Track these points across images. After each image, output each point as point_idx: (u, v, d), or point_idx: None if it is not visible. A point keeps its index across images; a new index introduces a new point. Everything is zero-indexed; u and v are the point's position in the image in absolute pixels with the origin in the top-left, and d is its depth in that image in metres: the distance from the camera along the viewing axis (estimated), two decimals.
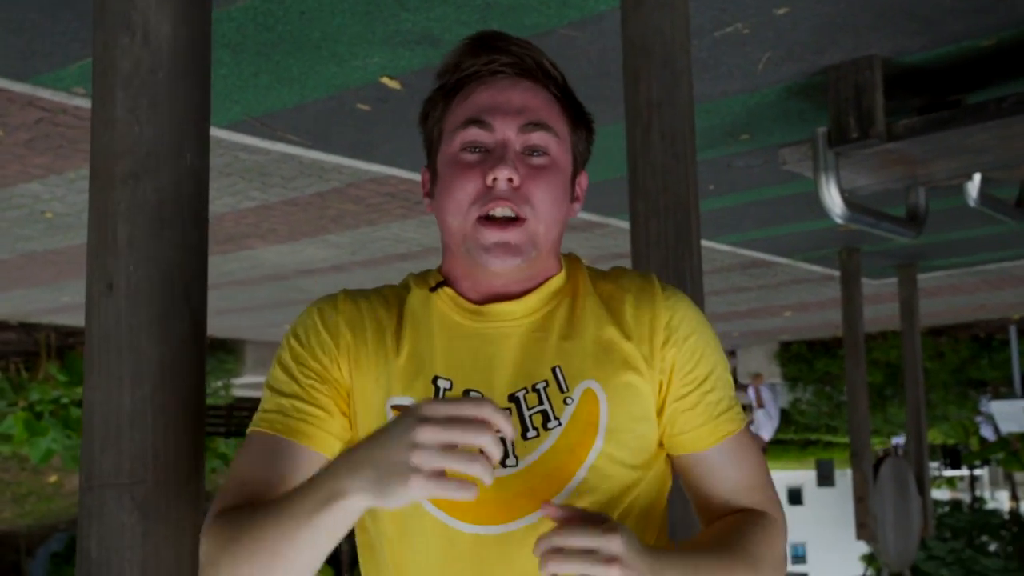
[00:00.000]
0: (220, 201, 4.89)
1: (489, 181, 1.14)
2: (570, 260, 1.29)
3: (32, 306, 8.63)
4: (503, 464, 1.13)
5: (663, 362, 1.20)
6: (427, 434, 0.91)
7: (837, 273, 7.13)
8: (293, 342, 1.20)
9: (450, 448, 0.91)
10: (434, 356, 1.18)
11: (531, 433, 1.14)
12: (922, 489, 7.02)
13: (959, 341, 12.08)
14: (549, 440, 1.14)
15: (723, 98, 3.55)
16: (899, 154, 3.45)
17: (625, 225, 2.37)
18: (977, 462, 21.08)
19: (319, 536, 0.98)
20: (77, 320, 9.28)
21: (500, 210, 1.14)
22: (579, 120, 1.24)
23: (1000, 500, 26.51)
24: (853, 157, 3.44)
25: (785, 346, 13.27)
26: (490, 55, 1.19)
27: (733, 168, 4.53)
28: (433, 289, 1.23)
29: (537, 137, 1.17)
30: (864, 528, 6.36)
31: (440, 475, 0.91)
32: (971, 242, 6.75)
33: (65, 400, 9.75)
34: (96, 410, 1.36)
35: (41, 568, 15.85)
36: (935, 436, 16.85)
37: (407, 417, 0.93)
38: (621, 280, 1.26)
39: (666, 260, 2.27)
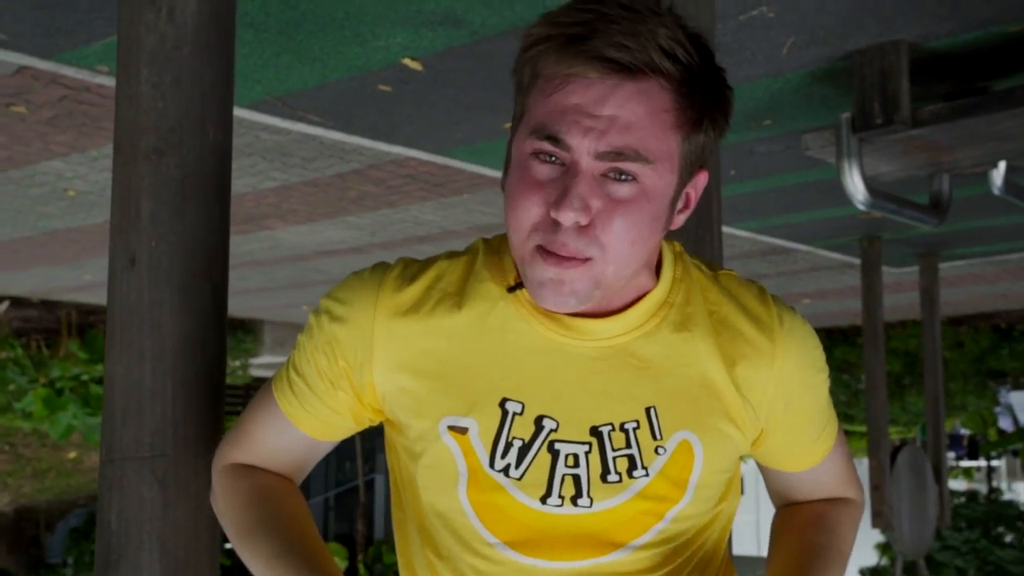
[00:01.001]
0: (240, 181, 4.90)
1: (553, 215, 0.94)
2: (676, 257, 1.09)
3: (53, 284, 8.70)
4: (574, 503, 1.03)
5: (771, 410, 1.09)
6: None
7: (857, 261, 7.08)
8: (329, 326, 1.07)
9: None
10: (505, 372, 1.03)
11: (612, 477, 1.03)
12: (939, 479, 6.99)
13: (979, 331, 12.00)
14: (631, 490, 1.03)
15: (746, 82, 3.52)
16: (923, 141, 3.41)
17: None
18: (994, 453, 20.98)
19: None
20: (98, 298, 9.35)
21: (563, 252, 0.95)
22: (702, 117, 0.99)
23: (1017, 491, 26.37)
24: (877, 143, 3.41)
25: None
26: (578, 65, 0.93)
27: (755, 154, 4.50)
28: (512, 289, 1.04)
29: (621, 166, 0.94)
30: (879, 517, 6.34)
31: None
32: (993, 231, 6.69)
33: (85, 377, 9.83)
34: (117, 384, 1.37)
35: (60, 543, 16.01)
36: (953, 426, 16.77)
37: None
38: (734, 296, 1.08)
39: (687, 246, 2.23)
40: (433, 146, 4.34)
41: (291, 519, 1.10)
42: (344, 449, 18.22)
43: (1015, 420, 13.75)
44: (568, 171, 0.95)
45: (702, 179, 1.05)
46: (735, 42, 3.15)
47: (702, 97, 0.98)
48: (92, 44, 3.10)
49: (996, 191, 4.04)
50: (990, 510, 19.74)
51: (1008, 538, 18.51)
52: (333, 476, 18.79)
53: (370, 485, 17.24)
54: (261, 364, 12.20)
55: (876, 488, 6.45)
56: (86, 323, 10.14)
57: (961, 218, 5.96)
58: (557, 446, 1.03)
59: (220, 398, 1.42)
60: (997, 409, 14.56)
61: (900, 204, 3.85)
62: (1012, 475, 28.82)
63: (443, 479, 1.05)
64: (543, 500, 1.03)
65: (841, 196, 3.64)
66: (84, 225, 5.98)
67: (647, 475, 1.03)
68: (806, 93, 3.65)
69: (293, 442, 1.14)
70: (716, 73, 0.99)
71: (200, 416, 1.38)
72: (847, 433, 19.78)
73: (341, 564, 10.97)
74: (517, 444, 1.03)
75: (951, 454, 23.02)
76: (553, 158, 0.96)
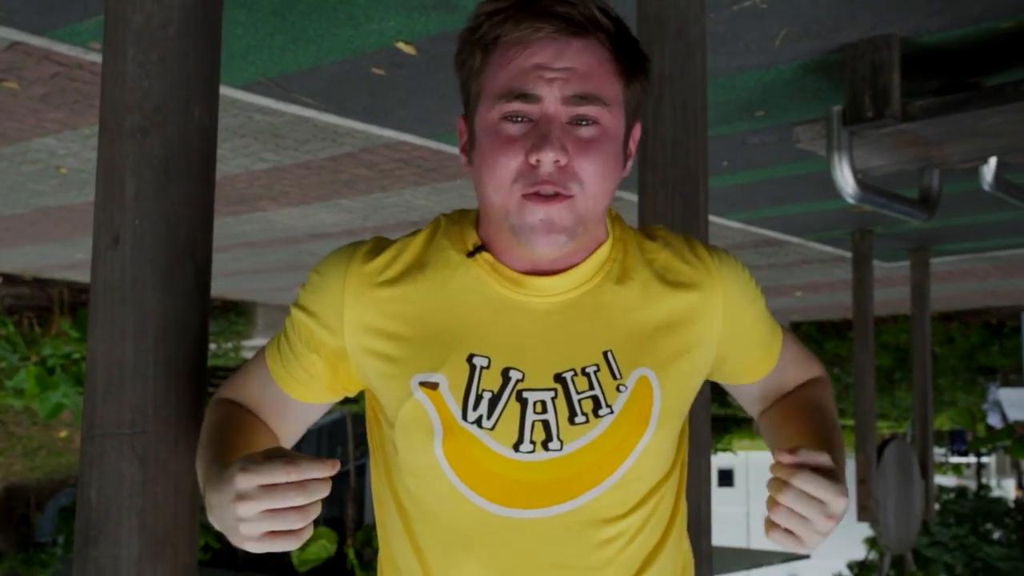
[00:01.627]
0: (233, 162, 4.90)
1: (533, 161, 1.05)
2: (616, 223, 1.21)
3: (46, 261, 8.69)
4: (545, 448, 1.09)
5: (721, 332, 1.19)
6: (245, 508, 0.95)
7: (849, 254, 7.10)
8: (306, 295, 1.17)
9: (270, 513, 0.95)
10: (469, 330, 1.11)
11: (580, 419, 1.10)
12: (925, 473, 7.03)
13: (970, 327, 12.04)
14: (599, 428, 1.10)
15: (739, 73, 3.53)
16: (914, 135, 3.43)
17: (635, 199, 2.37)
18: (984, 449, 21.07)
19: None
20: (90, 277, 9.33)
21: (547, 190, 1.05)
22: (635, 71, 1.13)
23: (1006, 488, 26.50)
24: (867, 137, 3.42)
25: (795, 326, 13.25)
26: (533, 23, 1.07)
27: (747, 145, 4.51)
28: (471, 254, 1.14)
29: (586, 110, 1.07)
30: (865, 510, 6.38)
31: (268, 536, 0.96)
32: (985, 227, 6.71)
33: (76, 355, 9.83)
34: (99, 361, 1.38)
35: (50, 522, 16.03)
36: (942, 422, 16.84)
37: (228, 484, 0.97)
38: (666, 245, 1.20)
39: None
40: (426, 130, 4.34)
41: (241, 433, 1.18)
42: (336, 434, 18.25)
43: (1004, 416, 13.80)
44: (539, 122, 1.06)
45: (638, 131, 1.18)
46: (728, 32, 3.16)
47: (631, 51, 1.12)
48: (85, 21, 3.09)
49: (986, 187, 4.06)
50: (978, 506, 19.85)
51: (996, 534, 18.61)
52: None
53: (361, 470, 17.26)
54: (253, 346, 12.20)
55: (863, 482, 6.48)
56: (78, 301, 10.14)
57: (952, 214, 5.98)
58: (525, 395, 1.10)
59: (202, 377, 1.43)
60: (985, 406, 14.61)
61: (889, 198, 3.86)
62: (1001, 472, 28.95)
63: (419, 436, 1.11)
64: (516, 448, 1.09)
65: (833, 189, 3.65)
66: (76, 203, 5.97)
67: (612, 412, 1.11)
68: (798, 85, 3.66)
69: (272, 394, 1.22)
70: (633, 35, 1.14)
71: (181, 395, 1.39)
72: None
73: (329, 548, 10.99)
74: (487, 396, 1.10)
75: (946, 450, 23.12)
76: (521, 118, 1.07)
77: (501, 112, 1.07)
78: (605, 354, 1.12)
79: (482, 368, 1.10)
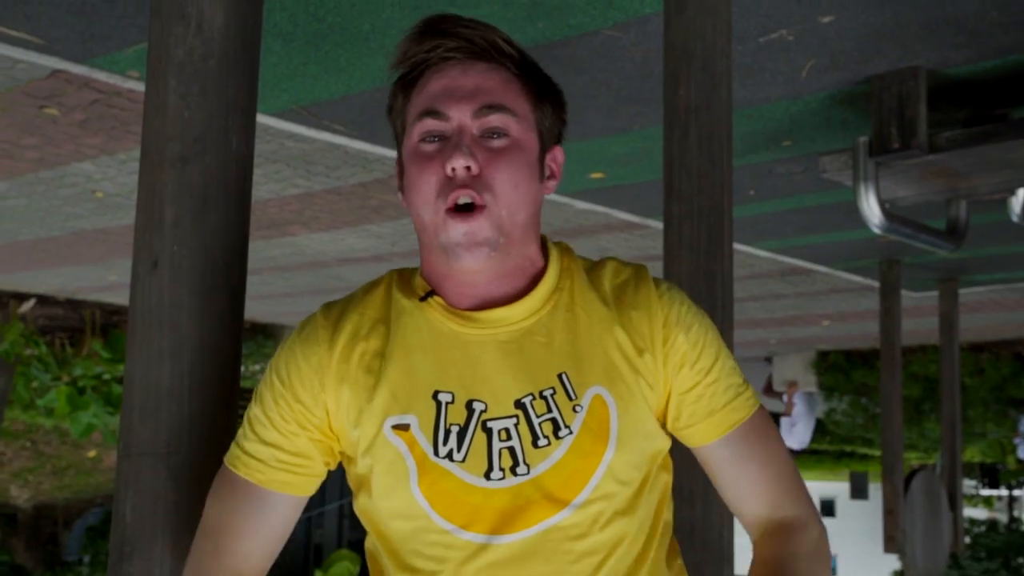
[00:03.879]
0: (265, 187, 4.98)
1: (448, 171, 1.12)
2: (561, 251, 1.25)
3: (79, 283, 8.81)
4: (514, 473, 1.13)
5: (667, 359, 1.20)
6: None
7: (877, 284, 7.08)
8: (274, 379, 1.19)
9: None
10: (431, 370, 1.16)
11: (542, 441, 1.14)
12: (954, 505, 6.96)
13: (1000, 358, 11.91)
14: (561, 448, 1.14)
15: (766, 104, 3.56)
16: (940, 166, 3.43)
17: (661, 227, 2.40)
18: (1014, 481, 20.76)
19: None
20: (122, 299, 9.46)
21: (462, 198, 1.12)
22: (543, 95, 1.20)
23: None
24: (894, 168, 3.44)
25: (822, 355, 13.16)
26: (435, 40, 1.16)
27: (774, 174, 4.53)
28: (423, 299, 1.20)
29: (494, 119, 1.14)
30: (891, 541, 6.32)
31: None
32: (1015, 258, 6.67)
33: (107, 376, 9.93)
34: (136, 382, 1.42)
35: (77, 541, 16.14)
36: (972, 454, 16.63)
37: None
38: (615, 275, 1.24)
39: (698, 263, 2.30)
40: None
41: None
42: None
43: None
44: (451, 137, 1.14)
45: (559, 153, 1.24)
46: (755, 63, 3.19)
47: (537, 79, 1.20)
48: (124, 50, 3.17)
49: (1015, 218, 4.05)
50: (1010, 540, 19.54)
51: None
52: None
53: None
54: None
55: (890, 512, 6.43)
56: (110, 323, 10.26)
57: (981, 244, 5.95)
58: (489, 424, 1.15)
59: (234, 399, 1.47)
60: (1017, 439, 14.42)
61: (916, 228, 3.87)
62: None
63: (396, 479, 1.14)
64: (487, 476, 1.13)
65: (860, 219, 3.66)
66: (111, 226, 6.07)
67: (571, 432, 1.14)
68: (825, 116, 3.68)
69: (270, 511, 1.20)
70: (540, 68, 1.21)
71: (214, 416, 1.42)
72: (864, 457, 19.65)
73: (352, 570, 11.00)
74: (455, 429, 1.14)
75: (976, 482, 22.78)
76: (436, 137, 1.15)
77: (419, 134, 1.16)
78: (560, 376, 1.16)
79: (447, 403, 1.15)
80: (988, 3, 2.75)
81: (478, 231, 1.11)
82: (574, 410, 1.15)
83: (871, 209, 3.49)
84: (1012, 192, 3.92)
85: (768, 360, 13.52)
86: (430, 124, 1.15)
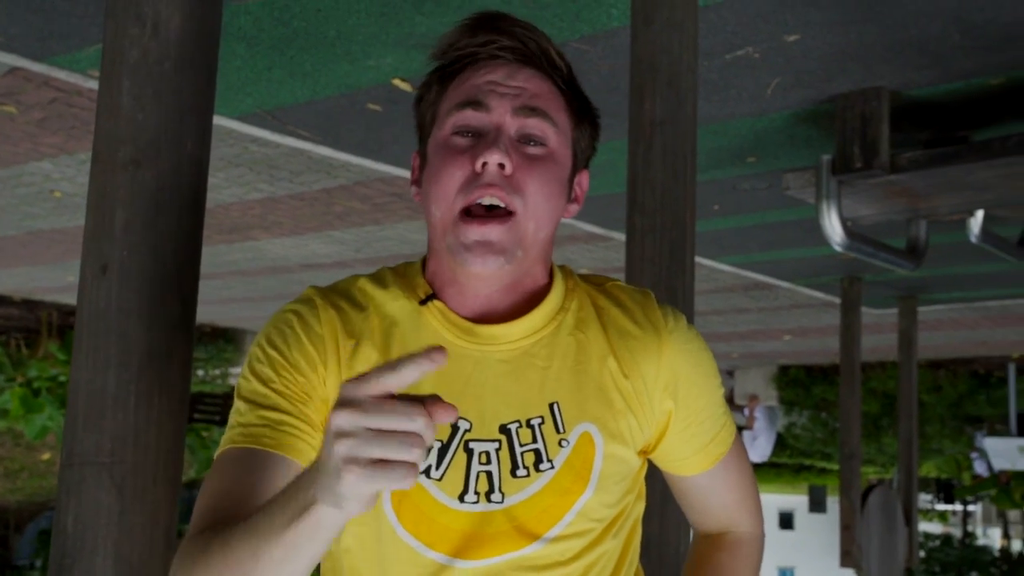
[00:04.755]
0: (227, 191, 4.92)
1: (478, 166, 1.04)
2: (566, 274, 1.20)
3: (36, 284, 8.68)
4: (488, 499, 1.08)
5: (663, 403, 1.16)
6: (347, 419, 0.77)
7: (838, 300, 7.14)
8: (271, 352, 1.08)
9: (379, 434, 0.76)
10: (420, 380, 1.10)
11: (521, 472, 1.09)
12: (909, 520, 7.02)
13: (958, 376, 12.07)
14: (539, 483, 1.09)
15: (731, 120, 3.57)
16: (902, 186, 3.47)
17: (624, 239, 2.40)
18: (970, 497, 21.03)
19: (292, 554, 0.85)
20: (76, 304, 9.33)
21: (488, 198, 1.04)
22: (583, 115, 1.14)
23: (992, 537, 26.42)
24: (856, 186, 3.46)
25: (783, 370, 13.27)
26: (490, 35, 1.09)
27: (738, 190, 4.55)
28: (424, 302, 1.13)
29: (534, 124, 1.07)
30: (848, 556, 6.36)
31: (375, 464, 0.76)
32: (973, 278, 6.76)
33: (63, 378, 9.79)
34: (81, 389, 1.39)
35: (28, 545, 15.85)
36: (929, 469, 16.82)
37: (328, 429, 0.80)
38: (621, 302, 1.18)
39: (659, 277, 2.30)
40: None
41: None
42: None
43: (990, 466, 13.80)
44: (487, 133, 1.07)
45: (585, 180, 1.18)
46: (720, 80, 3.20)
47: (580, 98, 1.14)
48: (85, 49, 3.12)
49: (974, 239, 4.10)
50: (963, 555, 19.79)
51: None
52: None
53: None
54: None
55: (846, 528, 6.47)
56: (66, 324, 10.11)
57: (941, 264, 6.02)
58: (471, 445, 1.09)
59: (183, 409, 1.44)
60: (973, 455, 14.62)
61: (877, 247, 3.90)
62: (987, 520, 28.87)
63: None
64: (460, 498, 1.08)
65: (822, 236, 3.68)
66: (68, 227, 5.98)
67: (552, 467, 1.09)
68: (789, 133, 3.70)
69: (277, 482, 1.02)
70: (582, 88, 1.16)
71: (161, 425, 1.39)
72: (823, 471, 19.82)
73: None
74: (436, 446, 1.09)
75: (932, 497, 23.03)
76: (470, 133, 1.07)
77: (453, 125, 1.08)
78: (551, 406, 1.10)
79: None
80: (951, 27, 2.77)
81: (496, 239, 1.04)
82: (560, 444, 1.10)
83: (833, 227, 3.51)
84: (971, 213, 3.97)
85: (730, 374, 13.60)
86: (469, 115, 1.07)
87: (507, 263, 1.06)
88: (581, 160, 1.16)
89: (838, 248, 3.66)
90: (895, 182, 3.40)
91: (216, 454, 1.07)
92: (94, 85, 3.43)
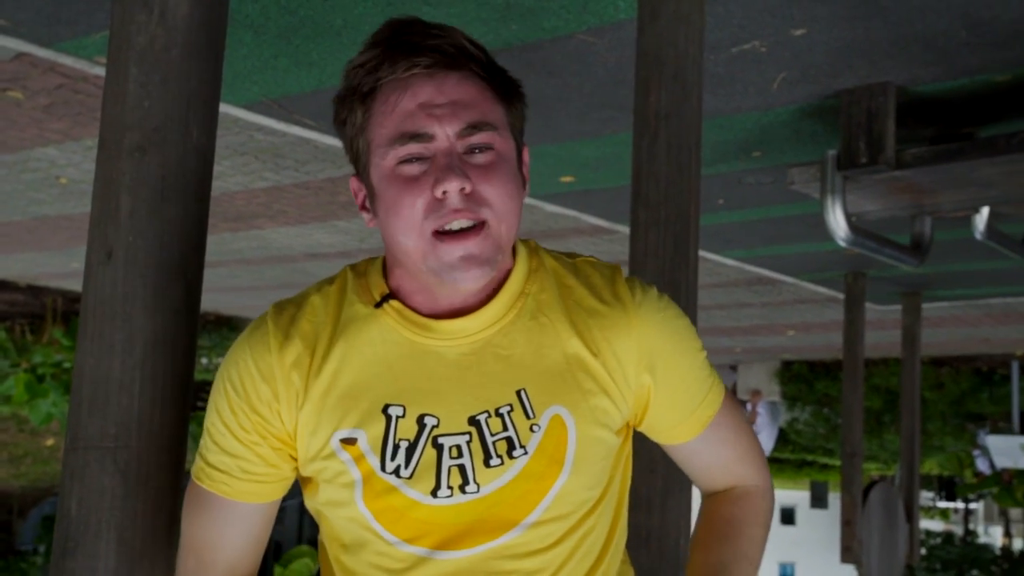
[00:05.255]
0: (233, 179, 4.93)
1: (439, 194, 1.04)
2: (530, 251, 1.19)
3: (41, 270, 8.70)
4: (463, 491, 1.09)
5: (640, 378, 1.15)
6: None
7: (842, 296, 7.14)
8: (228, 389, 1.13)
9: None
10: (383, 381, 1.11)
11: (495, 461, 1.09)
12: (910, 517, 7.03)
13: (960, 373, 12.06)
14: (513, 469, 1.10)
15: (736, 114, 3.57)
16: (907, 182, 3.46)
17: (628, 233, 2.40)
18: (971, 495, 21.03)
19: None
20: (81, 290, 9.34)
21: (458, 223, 1.05)
22: (511, 94, 1.14)
23: (993, 535, 26.43)
24: (861, 182, 3.46)
25: (786, 365, 13.27)
26: (409, 59, 1.07)
27: (743, 184, 4.55)
28: (379, 304, 1.14)
29: (479, 138, 1.08)
30: (848, 551, 6.37)
31: None
32: (977, 275, 6.75)
33: (67, 364, 9.82)
34: (86, 374, 1.39)
35: (32, 530, 15.91)
36: (931, 466, 16.83)
37: None
38: (588, 278, 1.18)
39: (663, 270, 2.30)
40: None
41: None
42: None
43: (991, 464, 13.80)
44: (436, 158, 1.06)
45: (526, 155, 1.17)
46: (726, 74, 3.20)
47: (503, 79, 1.13)
48: (92, 35, 3.12)
49: (978, 236, 4.09)
50: (964, 552, 19.80)
51: None
52: None
53: None
54: None
55: (848, 523, 6.48)
56: (71, 310, 10.14)
57: (945, 260, 6.01)
58: (440, 440, 1.10)
59: (187, 395, 1.45)
60: (975, 452, 14.61)
61: (881, 243, 3.90)
62: (989, 518, 28.88)
63: (342, 491, 1.11)
64: (434, 494, 1.10)
65: (827, 231, 3.68)
66: (74, 213, 5.99)
67: (526, 453, 1.10)
68: (795, 128, 3.70)
69: (245, 521, 1.17)
70: (498, 64, 1.15)
71: (165, 411, 1.40)
72: (825, 467, 19.83)
73: (311, 566, 10.94)
74: (404, 445, 1.10)
75: (934, 495, 23.04)
76: (417, 159, 1.07)
77: (397, 157, 1.07)
78: (518, 393, 1.11)
79: (398, 418, 1.10)
80: (957, 23, 2.77)
81: (478, 252, 1.05)
82: (531, 429, 1.10)
83: (837, 222, 3.51)
84: (976, 210, 3.97)
85: (733, 368, 13.61)
86: (412, 148, 1.06)
87: (492, 270, 1.08)
88: (520, 138, 1.16)
89: (842, 243, 3.66)
90: (900, 178, 3.40)
91: (192, 472, 1.17)
92: (100, 71, 3.43)
